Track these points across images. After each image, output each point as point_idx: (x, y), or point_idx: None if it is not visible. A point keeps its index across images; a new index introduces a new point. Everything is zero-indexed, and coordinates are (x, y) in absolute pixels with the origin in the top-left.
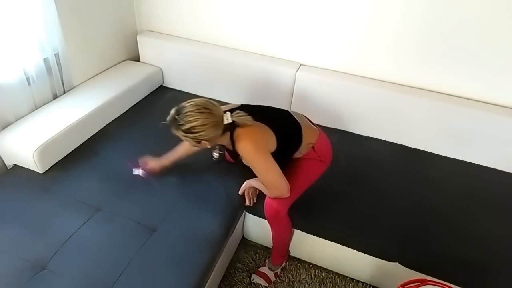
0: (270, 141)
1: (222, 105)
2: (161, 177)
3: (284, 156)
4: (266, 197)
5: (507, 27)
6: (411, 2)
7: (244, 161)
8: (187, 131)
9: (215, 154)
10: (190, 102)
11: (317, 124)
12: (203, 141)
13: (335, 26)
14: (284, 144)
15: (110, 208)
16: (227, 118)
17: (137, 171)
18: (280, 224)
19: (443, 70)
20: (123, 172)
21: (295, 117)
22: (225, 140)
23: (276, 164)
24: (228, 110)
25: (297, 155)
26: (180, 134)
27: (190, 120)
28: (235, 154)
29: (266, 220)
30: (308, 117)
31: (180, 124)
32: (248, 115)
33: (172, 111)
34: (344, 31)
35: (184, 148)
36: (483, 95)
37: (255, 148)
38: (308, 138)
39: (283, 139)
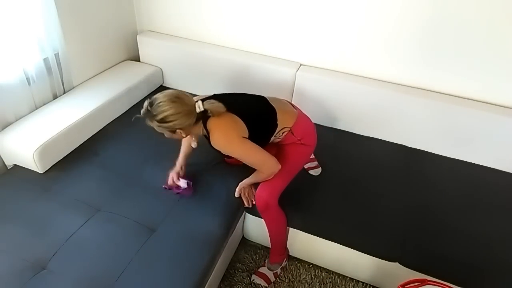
0: (240, 128)
1: None
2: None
3: (261, 140)
4: (257, 190)
5: (507, 27)
6: (411, 2)
7: (223, 152)
8: (161, 120)
9: (194, 144)
10: (162, 93)
11: (298, 108)
12: (178, 130)
13: (335, 26)
14: (256, 129)
15: (110, 208)
16: (199, 106)
17: (181, 185)
18: (272, 215)
19: (443, 70)
20: (123, 172)
21: (270, 102)
22: (199, 130)
23: (254, 143)
24: (201, 100)
25: (275, 139)
26: (155, 125)
27: (163, 110)
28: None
29: (259, 212)
30: (292, 103)
31: (154, 115)
32: (219, 103)
33: (145, 103)
34: (344, 31)
35: (185, 143)
36: (483, 95)
37: (227, 138)
38: (284, 122)
39: (254, 125)
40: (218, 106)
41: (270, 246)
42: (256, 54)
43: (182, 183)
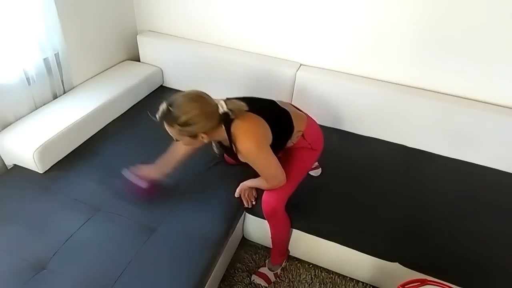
0: (268, 133)
1: None
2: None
3: (279, 145)
4: (263, 195)
5: (507, 27)
6: (411, 2)
7: (242, 159)
8: (184, 124)
9: (216, 149)
10: (181, 93)
11: (304, 111)
12: (201, 135)
13: (335, 26)
14: (278, 134)
15: (110, 208)
16: (222, 106)
17: (137, 181)
18: (278, 221)
19: (443, 70)
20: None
21: (282, 105)
22: (221, 135)
23: (274, 155)
24: (222, 100)
25: (289, 144)
26: (175, 129)
27: (186, 111)
28: (232, 151)
29: (264, 216)
30: (295, 105)
31: (175, 117)
32: (240, 102)
33: (163, 105)
34: (344, 31)
35: (183, 149)
36: (483, 95)
37: (258, 147)
38: (298, 126)
39: (277, 128)
40: (240, 105)
41: (270, 247)
42: (256, 54)
43: (143, 183)
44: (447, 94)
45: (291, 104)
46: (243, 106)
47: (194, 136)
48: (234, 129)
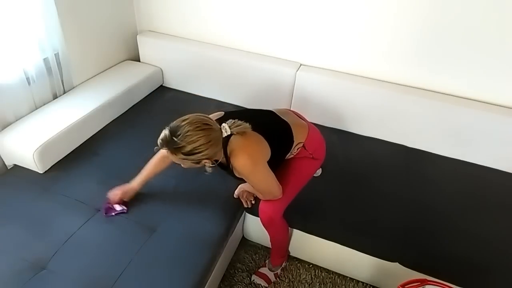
0: (265, 150)
1: (221, 105)
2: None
3: (277, 160)
4: (260, 204)
5: (506, 27)
6: (411, 2)
7: (238, 175)
8: (189, 153)
9: (208, 169)
10: (185, 120)
11: (304, 118)
12: (204, 161)
13: (335, 26)
14: (277, 149)
15: None
16: (226, 130)
17: (117, 208)
18: (276, 228)
19: (443, 70)
20: (123, 172)
21: (282, 117)
22: (220, 155)
23: (271, 171)
24: (217, 120)
25: (288, 156)
26: (178, 157)
27: (192, 141)
28: (227, 168)
29: (261, 224)
30: (295, 111)
31: (179, 147)
32: (245, 123)
33: (166, 132)
34: (344, 31)
35: (156, 165)
36: (483, 95)
37: (253, 164)
38: (299, 137)
39: (276, 144)
40: (244, 127)
41: (270, 247)
42: (256, 54)
43: (118, 207)
44: (447, 94)
45: (291, 111)
46: (247, 127)
47: (196, 162)
48: (230, 145)
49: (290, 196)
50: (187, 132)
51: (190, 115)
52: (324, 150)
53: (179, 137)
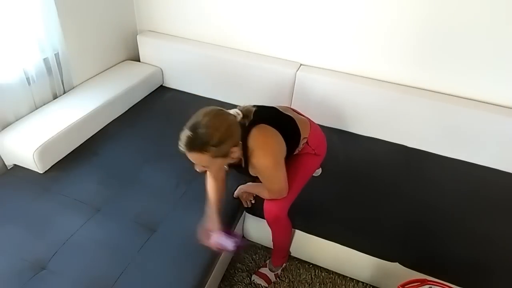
0: (283, 147)
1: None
2: (161, 178)
3: (288, 156)
4: (265, 202)
5: (506, 27)
6: (410, 2)
7: (254, 173)
8: (219, 142)
9: (233, 159)
10: (198, 115)
11: (304, 114)
12: (233, 149)
13: (335, 26)
14: (289, 145)
15: (110, 208)
16: (238, 113)
17: (228, 246)
18: (280, 227)
19: (443, 70)
20: (123, 172)
21: (284, 112)
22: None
23: (285, 169)
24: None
25: (295, 152)
26: (208, 154)
27: (216, 127)
28: (239, 166)
29: (266, 223)
30: (294, 108)
31: (207, 140)
32: (247, 105)
33: (186, 133)
34: (344, 31)
35: (213, 186)
36: (483, 95)
37: (275, 163)
38: (303, 132)
39: (288, 140)
40: (249, 109)
41: (270, 247)
42: (256, 54)
43: (229, 243)
44: (447, 94)
45: (290, 108)
46: (250, 107)
47: (226, 154)
48: (251, 143)
49: (294, 193)
50: (208, 122)
51: (197, 111)
52: (325, 146)
53: (202, 129)
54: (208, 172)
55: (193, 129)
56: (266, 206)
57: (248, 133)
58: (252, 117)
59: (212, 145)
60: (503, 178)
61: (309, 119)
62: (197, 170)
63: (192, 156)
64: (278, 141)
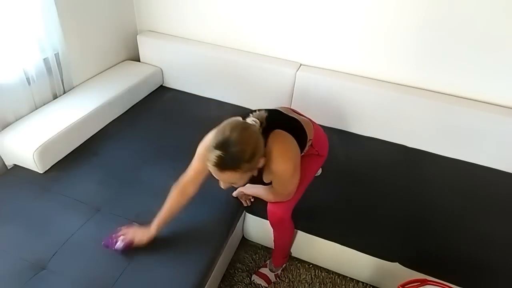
0: (299, 152)
1: (221, 105)
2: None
3: None
4: (269, 205)
5: (507, 27)
6: (410, 2)
7: (268, 179)
8: (251, 156)
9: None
10: (224, 132)
11: (305, 115)
12: (260, 160)
13: (335, 26)
14: (299, 147)
15: (110, 208)
16: (255, 122)
17: (117, 246)
18: (284, 229)
19: (443, 70)
20: (123, 172)
21: (287, 114)
22: None
23: None
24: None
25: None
26: (242, 170)
27: (248, 142)
28: (259, 174)
29: (270, 225)
30: (294, 109)
31: (240, 156)
32: (261, 111)
33: (217, 153)
34: (344, 31)
35: (174, 202)
36: (483, 95)
37: (294, 169)
38: (309, 134)
39: (298, 142)
40: (262, 115)
41: (270, 247)
42: (256, 54)
43: (119, 244)
44: (447, 94)
45: (290, 109)
46: (263, 114)
47: (255, 167)
48: (271, 149)
49: (298, 195)
50: (237, 137)
51: (219, 127)
52: (327, 146)
53: (235, 146)
54: (177, 185)
55: (224, 147)
56: (270, 208)
57: (266, 140)
58: (265, 123)
59: (245, 161)
60: (503, 178)
61: (311, 119)
62: (222, 187)
63: (224, 175)
64: (295, 145)
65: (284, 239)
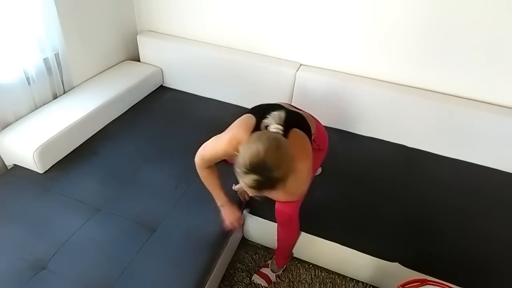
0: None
1: (220, 105)
2: (161, 178)
3: None
4: (277, 204)
5: (507, 27)
6: (410, 2)
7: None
8: (286, 174)
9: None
10: (259, 151)
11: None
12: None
13: (335, 26)
14: None
15: (110, 208)
16: (278, 129)
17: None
18: (292, 227)
19: (443, 70)
20: (123, 172)
21: (291, 108)
22: None
23: None
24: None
25: None
26: (278, 188)
27: (285, 161)
28: None
29: (278, 224)
30: (291, 104)
31: (279, 176)
32: (274, 112)
33: (253, 177)
34: (344, 31)
35: (215, 178)
36: (483, 95)
37: (310, 169)
38: (312, 129)
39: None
40: (282, 118)
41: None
42: (256, 54)
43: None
44: (447, 94)
45: (290, 105)
46: (282, 115)
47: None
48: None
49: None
50: (273, 159)
51: (250, 143)
52: (327, 140)
53: (272, 170)
54: (200, 165)
55: (260, 171)
56: (279, 207)
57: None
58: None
59: (283, 181)
60: (503, 178)
61: (309, 113)
62: (255, 197)
63: (259, 193)
64: (309, 143)
65: (290, 239)
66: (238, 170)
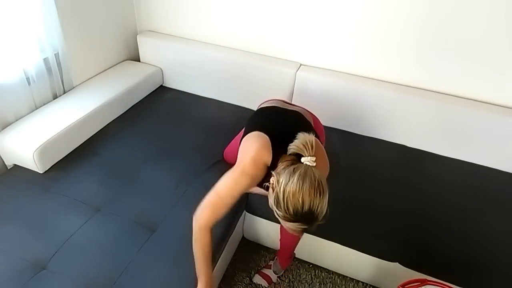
0: None
1: (220, 105)
2: (161, 178)
3: None
4: None
5: (506, 27)
6: (410, 2)
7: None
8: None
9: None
10: (303, 199)
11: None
12: None
13: (335, 26)
14: None
15: (110, 208)
16: (311, 161)
17: None
18: None
19: (443, 70)
20: (123, 172)
21: (291, 108)
22: None
23: None
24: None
25: None
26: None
27: (324, 203)
28: None
29: (279, 225)
30: (285, 100)
31: (326, 214)
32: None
33: (302, 226)
34: (344, 31)
35: (208, 252)
36: (483, 95)
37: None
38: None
39: None
40: (309, 139)
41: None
42: (256, 54)
43: None
44: (447, 94)
45: (282, 101)
46: (311, 138)
47: None
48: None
49: None
50: (319, 208)
51: (294, 188)
52: (324, 133)
53: (319, 218)
54: (206, 222)
55: (308, 221)
56: None
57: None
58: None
59: (326, 215)
60: (503, 178)
61: (304, 107)
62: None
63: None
64: (321, 143)
65: (295, 239)
66: (279, 213)
